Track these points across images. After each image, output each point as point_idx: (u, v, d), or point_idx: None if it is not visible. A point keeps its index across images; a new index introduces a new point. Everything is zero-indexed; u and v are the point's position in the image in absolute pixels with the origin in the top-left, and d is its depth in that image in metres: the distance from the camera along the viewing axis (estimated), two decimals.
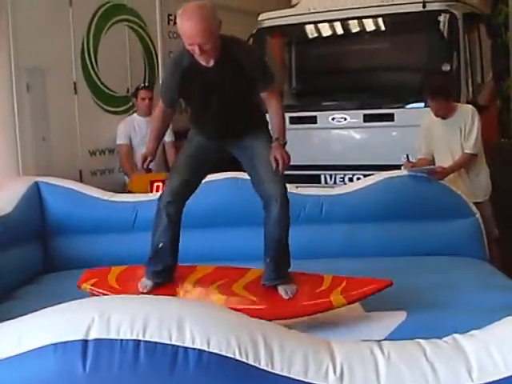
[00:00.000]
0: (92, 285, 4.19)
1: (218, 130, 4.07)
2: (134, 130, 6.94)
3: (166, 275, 4.14)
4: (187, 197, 4.11)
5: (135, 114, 7.12)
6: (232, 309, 3.72)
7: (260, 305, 3.91)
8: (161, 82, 4.31)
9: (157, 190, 5.98)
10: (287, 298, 3.91)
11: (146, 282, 4.09)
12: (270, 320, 3.74)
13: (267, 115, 4.11)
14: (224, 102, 3.92)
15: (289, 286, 3.96)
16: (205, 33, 3.60)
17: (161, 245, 4.08)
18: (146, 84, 7.44)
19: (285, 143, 3.90)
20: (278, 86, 4.20)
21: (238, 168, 4.62)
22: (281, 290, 3.95)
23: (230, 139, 4.11)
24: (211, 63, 3.79)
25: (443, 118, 5.46)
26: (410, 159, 5.52)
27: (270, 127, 4.13)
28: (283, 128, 3.95)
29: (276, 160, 3.79)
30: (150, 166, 4.13)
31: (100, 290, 4.11)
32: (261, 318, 3.73)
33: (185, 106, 4.23)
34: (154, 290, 4.04)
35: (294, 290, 3.95)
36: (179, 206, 4.06)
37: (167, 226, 4.05)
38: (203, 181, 5.35)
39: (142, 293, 3.99)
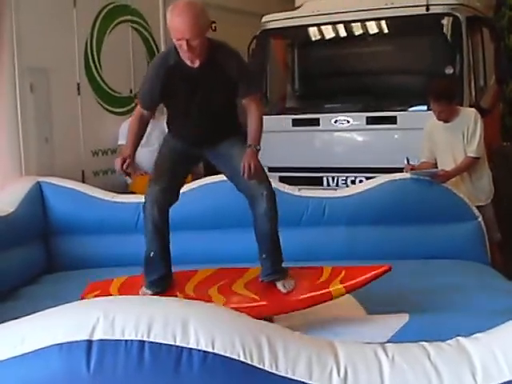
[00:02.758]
0: (95, 296, 4.18)
1: (197, 134, 4.06)
2: None
3: (162, 284, 4.11)
4: (170, 203, 4.08)
5: None
6: (233, 308, 3.78)
7: (261, 301, 3.93)
8: (142, 81, 4.25)
9: None
10: (285, 291, 3.95)
11: (145, 291, 4.07)
12: (271, 315, 3.83)
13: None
14: (205, 105, 3.92)
15: (286, 281, 4.00)
16: (194, 28, 3.62)
17: (152, 253, 4.07)
18: None
19: (258, 150, 3.89)
20: (260, 96, 4.16)
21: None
22: (279, 285, 3.98)
23: (207, 145, 4.10)
24: (197, 64, 3.80)
25: (446, 121, 5.46)
26: (411, 162, 5.52)
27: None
28: (259, 135, 3.93)
29: (244, 167, 3.78)
30: (129, 170, 4.00)
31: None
32: (262, 315, 3.80)
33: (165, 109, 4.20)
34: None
35: (291, 284, 3.98)
36: (163, 214, 4.03)
37: (154, 234, 4.04)
38: (202, 183, 5.37)
39: None
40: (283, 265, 4.10)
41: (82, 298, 4.21)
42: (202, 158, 4.31)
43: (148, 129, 6.80)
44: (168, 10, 3.76)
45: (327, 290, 3.83)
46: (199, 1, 3.81)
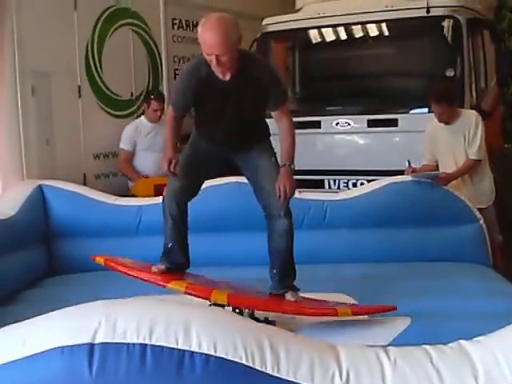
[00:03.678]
0: (106, 259, 4.27)
1: (225, 141, 4.08)
2: (140, 134, 6.86)
3: (178, 268, 4.20)
4: (189, 199, 4.16)
5: (143, 117, 7.01)
6: (240, 299, 3.77)
7: (267, 299, 3.98)
8: (173, 89, 4.27)
9: (161, 194, 5.96)
10: (293, 299, 3.96)
11: (159, 266, 4.14)
12: (275, 312, 3.82)
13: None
14: (235, 116, 3.92)
15: (296, 294, 4.01)
16: (224, 44, 3.61)
17: (170, 245, 4.16)
18: (158, 92, 7.33)
19: (292, 169, 3.91)
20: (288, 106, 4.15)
21: (234, 173, 4.65)
22: (288, 295, 3.99)
23: (234, 150, 4.14)
24: (227, 77, 3.80)
25: (447, 123, 5.46)
26: (413, 164, 5.52)
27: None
28: (292, 152, 3.94)
29: (280, 190, 3.82)
30: (176, 170, 4.02)
31: (114, 263, 4.24)
32: (266, 309, 3.79)
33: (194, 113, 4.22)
34: (165, 273, 4.09)
35: (300, 297, 4.01)
36: (181, 208, 4.12)
37: (173, 227, 4.13)
38: (206, 185, 5.37)
39: (154, 272, 4.08)
40: None
41: (94, 259, 4.35)
42: (227, 160, 4.29)
43: (152, 133, 6.83)
44: (200, 23, 3.73)
45: (334, 308, 3.88)
46: (231, 15, 3.78)
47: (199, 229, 5.09)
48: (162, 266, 4.12)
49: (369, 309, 3.99)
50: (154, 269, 4.11)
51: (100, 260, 4.26)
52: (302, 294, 4.07)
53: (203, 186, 5.45)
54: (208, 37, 3.63)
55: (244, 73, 3.81)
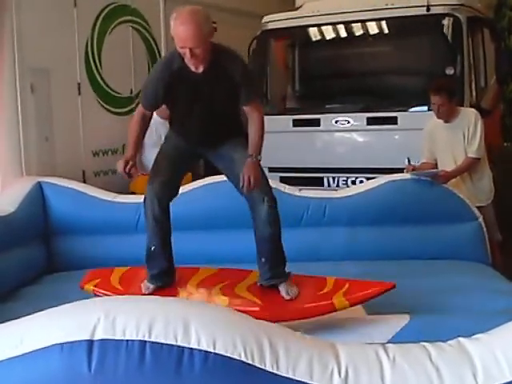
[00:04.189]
0: (95, 285, 4.20)
1: (199, 135, 4.08)
2: (151, 129, 6.83)
3: (164, 278, 4.14)
4: (170, 196, 4.09)
5: (155, 113, 6.99)
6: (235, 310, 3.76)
7: (263, 307, 3.90)
8: (144, 83, 4.27)
9: None
10: (288, 298, 3.93)
11: (147, 285, 4.11)
12: (272, 322, 3.80)
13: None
14: (207, 109, 3.93)
15: (290, 287, 3.97)
16: (197, 37, 3.64)
17: (153, 247, 4.09)
18: None
19: (259, 160, 3.89)
20: (260, 104, 4.14)
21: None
22: (282, 290, 3.97)
23: (208, 145, 4.13)
24: (200, 69, 3.82)
25: (446, 121, 5.46)
26: (412, 162, 5.52)
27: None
28: (259, 145, 3.93)
29: (244, 178, 3.78)
30: (132, 171, 3.94)
31: (103, 291, 4.12)
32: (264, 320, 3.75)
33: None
34: (155, 292, 4.05)
35: (295, 291, 3.96)
36: (163, 207, 4.03)
37: (155, 228, 4.05)
38: (203, 183, 5.35)
39: (144, 294, 4.00)
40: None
41: (81, 287, 4.23)
42: (202, 156, 4.31)
43: (163, 130, 6.80)
44: (172, 17, 3.76)
45: (330, 302, 3.80)
46: (202, 8, 3.81)
47: (195, 227, 5.11)
48: (152, 286, 4.08)
49: (366, 289, 3.86)
50: (143, 289, 4.07)
51: (89, 288, 4.21)
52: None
53: (199, 183, 5.48)
54: (181, 31, 3.67)
55: (217, 66, 3.83)
